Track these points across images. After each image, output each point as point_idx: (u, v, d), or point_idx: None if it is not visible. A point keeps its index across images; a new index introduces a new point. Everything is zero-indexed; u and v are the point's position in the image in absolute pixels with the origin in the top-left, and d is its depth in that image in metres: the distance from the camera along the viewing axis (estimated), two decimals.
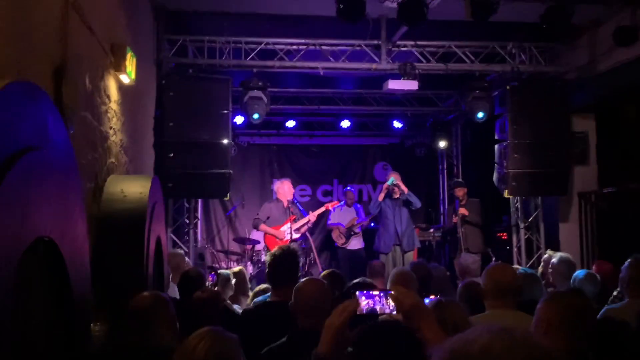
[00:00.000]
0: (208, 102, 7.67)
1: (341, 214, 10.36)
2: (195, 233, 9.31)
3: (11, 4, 3.05)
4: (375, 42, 7.91)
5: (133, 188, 4.62)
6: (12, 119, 2.24)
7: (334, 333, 1.87)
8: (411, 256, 8.66)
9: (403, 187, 8.69)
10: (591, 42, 8.05)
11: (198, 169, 7.57)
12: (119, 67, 5.21)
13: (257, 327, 3.53)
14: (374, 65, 7.98)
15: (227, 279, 5.63)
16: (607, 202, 8.34)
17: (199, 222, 10.02)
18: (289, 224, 8.32)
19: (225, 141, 7.68)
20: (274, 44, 7.97)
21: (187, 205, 8.92)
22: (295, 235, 8.36)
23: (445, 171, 12.12)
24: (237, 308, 4.98)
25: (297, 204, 8.79)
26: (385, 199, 8.80)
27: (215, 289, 5.26)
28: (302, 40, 8.02)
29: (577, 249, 8.45)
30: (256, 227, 8.76)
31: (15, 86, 2.26)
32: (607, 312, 3.84)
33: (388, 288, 2.98)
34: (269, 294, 4.11)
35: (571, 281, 4.91)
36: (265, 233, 8.63)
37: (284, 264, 3.88)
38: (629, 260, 4.02)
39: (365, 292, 2.21)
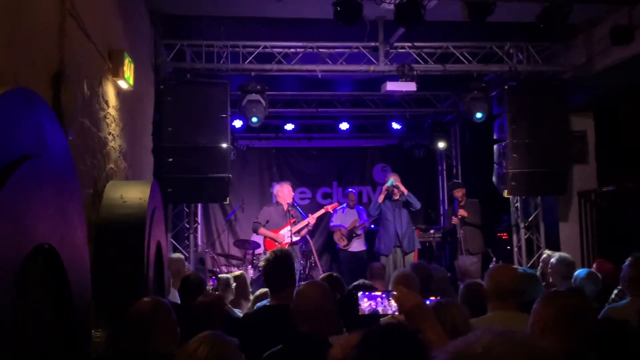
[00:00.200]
0: (206, 107, 7.67)
1: (343, 216, 10.36)
2: (196, 237, 9.30)
3: (8, 11, 3.04)
4: (373, 44, 7.92)
5: (132, 193, 4.62)
6: (10, 127, 2.23)
7: None
8: (412, 257, 8.65)
9: (402, 188, 8.69)
10: (588, 41, 8.06)
11: (197, 174, 7.57)
12: (117, 72, 5.22)
13: (257, 331, 3.52)
14: (371, 67, 7.99)
15: (227, 283, 5.61)
16: (607, 201, 8.35)
17: (198, 227, 10.02)
18: (288, 227, 8.32)
19: (224, 145, 7.68)
20: (272, 47, 7.98)
21: (186, 209, 8.92)
22: (295, 238, 8.35)
23: (445, 172, 12.12)
24: (238, 312, 4.96)
25: (297, 207, 8.78)
26: (385, 200, 8.80)
27: (216, 293, 5.25)
28: (300, 43, 8.02)
29: (578, 247, 8.46)
30: (255, 231, 8.75)
31: (12, 94, 2.26)
32: (608, 311, 3.84)
33: (390, 289, 2.98)
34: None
35: (572, 280, 4.91)
36: (265, 237, 8.62)
37: (279, 268, 3.88)
38: (629, 259, 4.03)
39: (367, 293, 2.22)
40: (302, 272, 9.58)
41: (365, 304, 2.27)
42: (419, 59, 8.20)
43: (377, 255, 8.88)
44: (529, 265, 8.53)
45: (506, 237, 9.79)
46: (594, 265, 5.73)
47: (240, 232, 11.68)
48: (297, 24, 7.82)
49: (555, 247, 8.00)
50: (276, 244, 8.27)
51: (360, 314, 2.28)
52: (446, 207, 11.42)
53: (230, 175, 7.81)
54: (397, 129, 11.84)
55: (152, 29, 7.48)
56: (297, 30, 7.94)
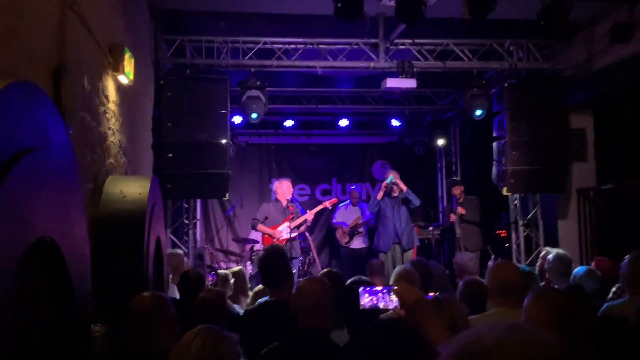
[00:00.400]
0: (206, 102, 7.66)
1: (346, 213, 10.37)
2: (195, 233, 9.31)
3: (9, 7, 3.04)
4: (373, 40, 7.91)
5: (132, 189, 4.62)
6: (13, 120, 2.23)
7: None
8: (410, 254, 8.66)
9: (402, 185, 8.69)
10: (588, 39, 8.07)
11: (197, 169, 7.56)
12: (117, 67, 5.21)
13: (259, 327, 3.53)
14: (372, 64, 7.98)
15: (226, 278, 5.62)
16: (606, 199, 8.36)
17: (198, 223, 10.01)
18: (286, 224, 8.32)
19: (224, 141, 7.68)
20: (272, 43, 7.97)
21: (186, 205, 8.91)
22: (293, 234, 8.35)
23: (444, 169, 12.12)
24: (237, 308, 4.97)
25: (296, 203, 8.78)
26: (384, 197, 8.80)
27: (216, 289, 5.25)
28: (300, 40, 8.02)
29: (576, 245, 8.47)
30: (254, 228, 8.76)
31: (15, 87, 2.25)
32: (607, 308, 3.84)
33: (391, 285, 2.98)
34: None
35: (571, 277, 4.91)
36: (263, 233, 8.63)
37: (273, 265, 3.89)
38: (628, 256, 4.02)
39: (368, 288, 2.22)
40: (300, 268, 9.58)
41: (366, 299, 2.27)
42: (419, 55, 8.20)
43: (376, 252, 8.88)
44: (527, 262, 8.54)
45: (505, 234, 9.81)
46: (593, 263, 5.73)
47: (239, 228, 11.69)
48: (298, 20, 7.81)
49: (554, 244, 8.01)
50: (273, 240, 8.27)
51: (360, 309, 2.28)
52: (445, 204, 11.43)
53: (229, 171, 7.81)
54: (396, 126, 11.83)
55: (153, 24, 7.47)
56: (297, 26, 7.93)
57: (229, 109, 7.81)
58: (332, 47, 8.09)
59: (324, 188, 12.66)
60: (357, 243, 10.16)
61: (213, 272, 7.49)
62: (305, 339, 2.91)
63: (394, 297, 2.18)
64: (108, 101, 5.15)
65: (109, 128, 5.19)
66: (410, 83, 7.86)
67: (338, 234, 10.32)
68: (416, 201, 8.80)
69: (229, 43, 7.82)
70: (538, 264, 6.05)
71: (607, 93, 8.22)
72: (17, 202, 2.21)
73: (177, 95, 7.57)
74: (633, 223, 7.50)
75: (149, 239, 4.54)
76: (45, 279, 2.65)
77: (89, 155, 4.52)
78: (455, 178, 10.42)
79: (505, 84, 8.25)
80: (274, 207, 8.67)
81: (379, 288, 2.28)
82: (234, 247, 10.93)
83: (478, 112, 8.43)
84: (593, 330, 2.59)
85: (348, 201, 10.60)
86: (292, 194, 8.76)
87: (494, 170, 8.56)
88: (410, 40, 8.10)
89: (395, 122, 11.70)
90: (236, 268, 6.43)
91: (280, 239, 8.33)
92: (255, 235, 9.65)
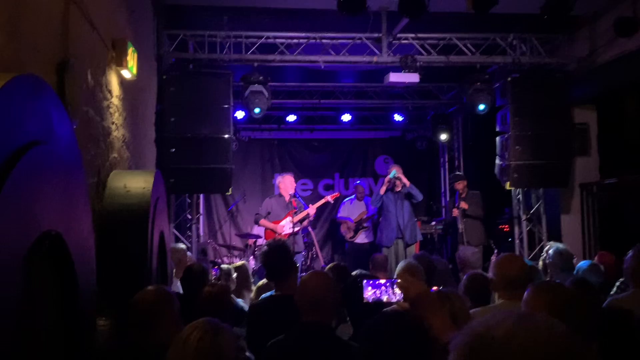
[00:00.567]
0: (209, 97, 7.66)
1: (351, 208, 10.38)
2: (198, 228, 9.32)
3: (12, 1, 3.04)
4: (376, 35, 7.90)
5: (136, 183, 4.62)
6: (18, 113, 2.24)
7: None
8: (413, 249, 8.66)
9: (405, 180, 8.70)
10: (592, 33, 8.05)
11: (200, 164, 7.57)
12: (121, 62, 5.21)
13: (264, 321, 3.54)
14: (374, 58, 7.97)
15: (229, 273, 5.64)
16: (609, 193, 8.34)
17: (201, 218, 10.02)
18: (289, 219, 8.33)
19: (227, 136, 7.68)
20: (275, 37, 7.96)
21: (188, 200, 8.93)
22: (296, 229, 8.36)
23: (447, 164, 12.11)
24: (240, 302, 4.99)
25: (299, 198, 8.79)
26: (387, 192, 8.81)
27: (220, 283, 5.26)
28: (303, 34, 8.00)
29: (579, 240, 8.47)
30: (257, 223, 8.78)
31: (20, 80, 2.26)
32: (611, 302, 3.84)
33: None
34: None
35: (575, 272, 4.91)
36: (265, 228, 8.64)
37: (277, 259, 3.91)
38: (632, 250, 4.02)
39: (371, 281, 2.23)
40: (303, 263, 9.60)
41: (369, 293, 2.27)
42: (422, 50, 8.18)
43: (379, 246, 8.89)
44: (530, 257, 8.54)
45: (508, 229, 9.80)
46: (596, 257, 5.74)
47: (241, 223, 11.71)
48: (300, 15, 7.80)
49: (557, 239, 7.99)
50: (275, 235, 8.28)
51: (364, 302, 2.29)
52: (448, 199, 11.42)
53: (232, 166, 7.81)
54: (399, 121, 11.82)
55: (155, 19, 7.46)
56: (300, 20, 7.92)
57: (232, 104, 7.80)
58: (334, 41, 8.08)
59: (326, 183, 12.67)
60: (362, 238, 10.17)
61: (216, 267, 7.50)
62: (308, 333, 2.92)
63: (397, 290, 2.18)
64: (111, 96, 5.15)
65: (113, 122, 5.19)
66: (413, 77, 7.85)
67: (343, 228, 10.33)
68: (419, 196, 8.81)
69: (232, 38, 7.81)
70: (542, 258, 6.05)
71: (611, 87, 8.20)
72: (23, 195, 2.21)
73: (180, 90, 7.57)
74: (636, 217, 7.49)
75: (152, 233, 4.54)
76: (50, 272, 2.66)
77: (93, 149, 4.53)
78: (458, 173, 10.41)
79: (509, 79, 8.22)
80: (277, 202, 8.68)
81: (382, 281, 2.28)
82: (236, 242, 10.96)
83: (481, 107, 8.42)
84: (597, 324, 2.59)
85: (353, 196, 10.61)
86: (295, 189, 8.77)
87: (497, 164, 8.54)
88: (413, 35, 8.08)
89: (398, 117, 11.70)
90: (239, 263, 6.45)
91: (283, 233, 8.34)
92: (258, 230, 9.67)
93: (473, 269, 6.00)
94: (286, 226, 8.38)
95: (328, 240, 12.10)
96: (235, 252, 10.38)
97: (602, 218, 8.35)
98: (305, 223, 8.85)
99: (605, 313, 3.34)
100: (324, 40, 8.04)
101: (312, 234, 10.17)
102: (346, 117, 11.45)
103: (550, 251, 5.35)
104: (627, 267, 3.99)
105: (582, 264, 4.98)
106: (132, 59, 5.41)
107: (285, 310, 3.23)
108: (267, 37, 7.93)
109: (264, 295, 4.08)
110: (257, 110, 8.08)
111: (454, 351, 0.99)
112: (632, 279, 3.94)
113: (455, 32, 8.15)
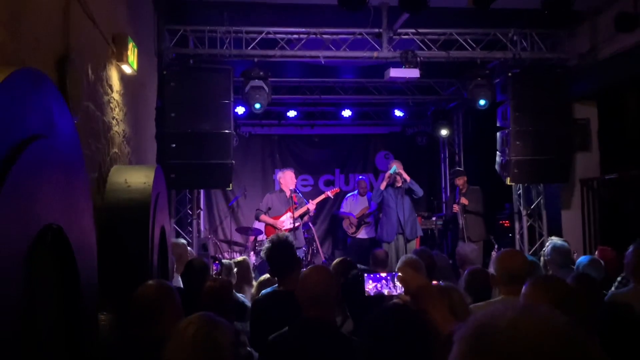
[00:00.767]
0: (209, 93, 7.66)
1: (353, 203, 10.40)
2: (198, 224, 9.32)
3: None
4: (377, 30, 7.89)
5: (137, 178, 4.62)
6: (19, 107, 2.24)
7: None
8: (414, 244, 8.67)
9: (405, 175, 8.71)
10: (593, 29, 8.04)
11: (200, 160, 7.58)
12: (121, 57, 5.21)
13: (267, 316, 3.55)
14: (375, 54, 7.96)
15: (230, 268, 5.65)
16: (609, 189, 8.34)
17: (201, 213, 10.02)
18: (289, 214, 8.34)
19: (227, 131, 7.68)
20: (275, 33, 7.95)
21: (189, 196, 8.93)
22: (296, 224, 8.37)
23: (447, 159, 12.11)
24: (241, 297, 4.99)
25: (299, 194, 8.79)
26: (387, 187, 8.82)
27: (221, 277, 5.27)
28: (303, 29, 7.99)
29: (580, 235, 8.48)
30: (257, 218, 8.79)
31: (21, 74, 2.26)
32: (612, 297, 3.86)
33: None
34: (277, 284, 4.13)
35: (575, 267, 4.92)
36: (266, 224, 8.65)
37: (280, 254, 3.91)
38: (632, 245, 4.03)
39: (372, 275, 2.23)
40: (304, 258, 9.61)
41: (370, 286, 2.28)
42: (422, 45, 8.17)
43: (380, 242, 8.90)
44: (530, 252, 8.55)
45: (508, 224, 9.81)
46: (596, 253, 5.74)
47: (242, 218, 11.72)
48: (301, 10, 7.79)
49: (558, 234, 7.99)
50: (276, 230, 8.29)
51: (365, 295, 2.29)
52: (448, 194, 11.43)
53: (233, 162, 7.81)
54: (399, 117, 11.82)
55: (155, 14, 7.45)
56: (300, 16, 7.91)
57: (232, 100, 7.80)
58: (335, 37, 8.07)
59: (327, 179, 12.67)
60: (363, 233, 10.20)
61: (217, 262, 7.51)
62: (309, 328, 2.92)
63: (398, 283, 2.19)
64: (112, 91, 5.15)
65: (113, 118, 5.19)
66: (413, 73, 7.84)
67: (345, 224, 10.35)
68: (419, 191, 8.82)
69: (232, 33, 7.80)
70: (542, 254, 6.06)
71: (611, 83, 8.20)
72: (25, 189, 2.21)
73: (180, 86, 7.57)
74: (636, 213, 7.50)
75: (153, 228, 4.54)
76: (52, 266, 2.67)
77: (94, 144, 4.53)
78: (458, 168, 10.41)
79: (509, 74, 8.22)
80: (278, 197, 8.69)
81: (383, 275, 2.29)
82: (237, 237, 10.96)
83: (482, 102, 8.42)
84: (597, 318, 2.60)
85: (355, 191, 10.63)
86: (296, 185, 8.77)
87: (498, 160, 8.55)
88: (413, 30, 8.07)
89: (398, 113, 11.69)
90: (240, 258, 6.45)
91: (283, 229, 8.35)
92: (258, 225, 9.68)
93: (472, 265, 6.00)
94: (286, 222, 8.38)
95: (328, 236, 12.12)
96: (236, 248, 10.39)
97: (603, 213, 8.35)
98: (305, 219, 8.85)
99: (606, 308, 3.35)
100: (324, 36, 8.03)
101: (313, 229, 10.18)
102: (346, 113, 11.45)
103: (548, 248, 5.35)
104: (627, 263, 4.00)
105: (583, 259, 4.98)
106: (132, 54, 5.41)
107: (289, 306, 3.24)
108: (268, 33, 7.92)
109: (265, 291, 4.08)
110: (257, 105, 8.07)
111: (458, 341, 1.00)
112: (633, 274, 3.95)
113: (455, 28, 8.15)
